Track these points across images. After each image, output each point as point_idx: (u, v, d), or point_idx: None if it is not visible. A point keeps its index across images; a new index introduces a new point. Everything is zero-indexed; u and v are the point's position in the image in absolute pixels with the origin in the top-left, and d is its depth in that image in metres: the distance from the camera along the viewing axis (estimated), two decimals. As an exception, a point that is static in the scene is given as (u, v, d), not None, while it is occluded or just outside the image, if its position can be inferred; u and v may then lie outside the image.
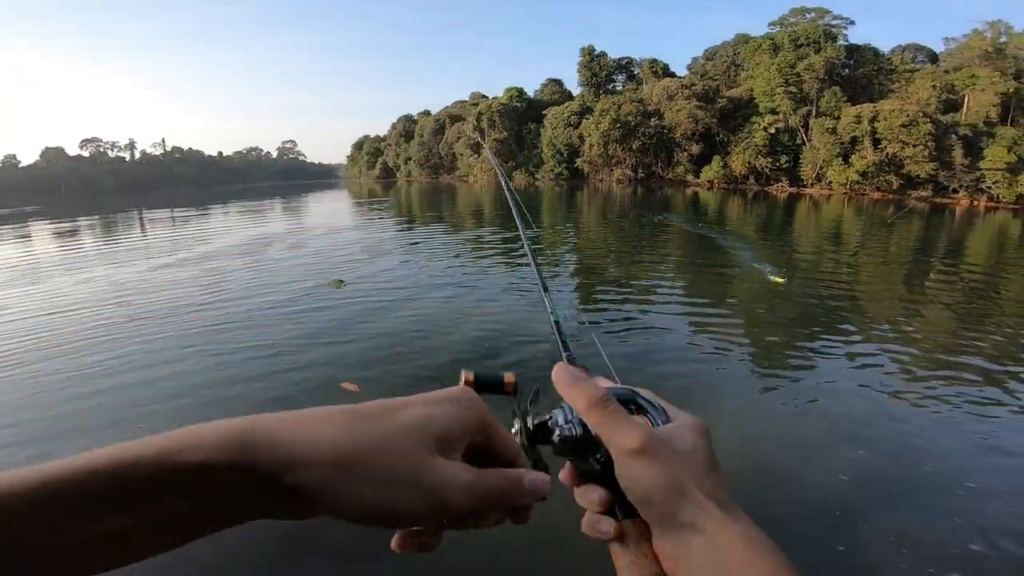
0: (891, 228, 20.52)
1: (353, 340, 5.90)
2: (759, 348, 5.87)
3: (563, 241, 14.73)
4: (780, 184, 46.00)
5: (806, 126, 44.86)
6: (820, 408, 4.41)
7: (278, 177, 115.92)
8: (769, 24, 53.30)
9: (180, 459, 0.28)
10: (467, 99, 71.60)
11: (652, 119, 49.08)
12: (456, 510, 0.32)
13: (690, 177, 49.12)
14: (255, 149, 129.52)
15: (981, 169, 38.09)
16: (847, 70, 46.81)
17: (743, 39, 55.76)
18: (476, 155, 60.91)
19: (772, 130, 45.07)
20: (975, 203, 38.23)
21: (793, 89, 44.01)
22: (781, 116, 45.05)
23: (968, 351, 5.86)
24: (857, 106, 41.87)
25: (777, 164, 45.63)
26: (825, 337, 6.14)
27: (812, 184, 44.59)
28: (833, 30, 47.15)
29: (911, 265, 12.33)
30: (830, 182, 43.16)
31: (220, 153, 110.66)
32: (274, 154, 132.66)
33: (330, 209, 29.05)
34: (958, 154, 38.43)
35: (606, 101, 50.92)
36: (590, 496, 0.37)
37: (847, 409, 4.37)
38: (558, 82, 65.79)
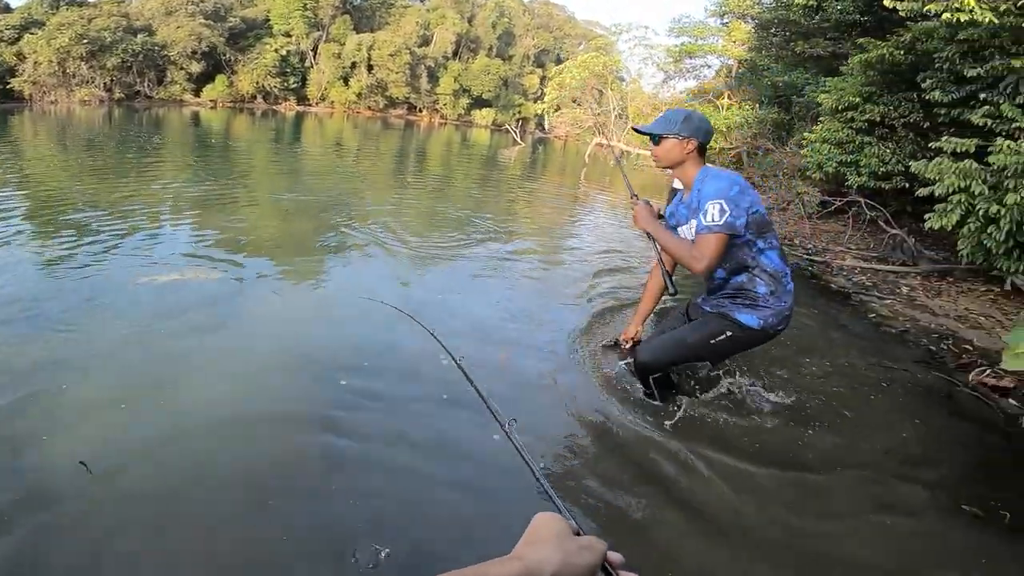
0: (379, 139, 24.58)
1: None
2: (274, 256, 5.78)
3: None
4: (288, 103, 46.87)
5: (315, 50, 46.50)
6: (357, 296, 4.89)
7: None
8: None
9: (510, 567, 0.55)
10: None
11: (140, 35, 39.56)
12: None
13: (188, 96, 43.14)
14: None
15: (437, 94, 49.82)
16: (359, 0, 49.58)
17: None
18: None
19: (284, 52, 44.95)
20: (432, 120, 50.26)
21: (310, 14, 44.89)
22: (294, 39, 45.37)
23: (439, 226, 7.99)
24: (360, 35, 46.52)
25: (286, 84, 46.34)
26: (335, 236, 6.61)
27: (317, 103, 47.61)
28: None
29: (395, 166, 15.41)
30: (332, 102, 47.34)
31: None
32: None
33: None
34: (424, 81, 48.88)
35: (71, 14, 37.35)
36: None
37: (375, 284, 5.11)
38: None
